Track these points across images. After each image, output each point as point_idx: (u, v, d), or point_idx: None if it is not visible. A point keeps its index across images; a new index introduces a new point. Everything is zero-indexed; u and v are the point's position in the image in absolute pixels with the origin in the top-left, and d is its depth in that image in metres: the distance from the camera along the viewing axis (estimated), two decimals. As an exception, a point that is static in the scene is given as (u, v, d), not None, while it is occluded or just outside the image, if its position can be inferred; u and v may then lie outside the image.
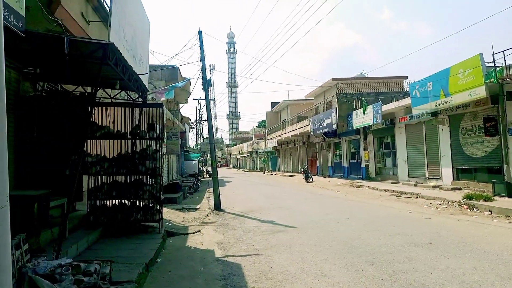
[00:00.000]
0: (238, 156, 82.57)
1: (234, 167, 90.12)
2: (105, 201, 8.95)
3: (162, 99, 11.70)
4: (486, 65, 13.79)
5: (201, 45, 13.76)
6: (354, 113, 24.87)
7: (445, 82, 15.83)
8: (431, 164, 18.76)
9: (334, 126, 26.49)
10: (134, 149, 9.44)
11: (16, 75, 7.59)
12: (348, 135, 27.45)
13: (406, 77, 29.87)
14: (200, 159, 48.56)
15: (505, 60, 12.81)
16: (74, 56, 6.12)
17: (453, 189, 16.07)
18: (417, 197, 15.17)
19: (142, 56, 9.51)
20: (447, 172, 17.44)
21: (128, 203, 9.04)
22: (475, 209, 11.63)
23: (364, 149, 25.35)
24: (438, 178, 18.09)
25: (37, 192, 6.12)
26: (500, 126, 14.03)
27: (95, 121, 9.05)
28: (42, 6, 6.71)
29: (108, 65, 6.30)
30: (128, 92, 9.49)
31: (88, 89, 8.93)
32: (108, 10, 8.33)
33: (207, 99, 14.39)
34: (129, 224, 8.89)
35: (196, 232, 9.71)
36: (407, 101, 19.55)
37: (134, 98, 9.73)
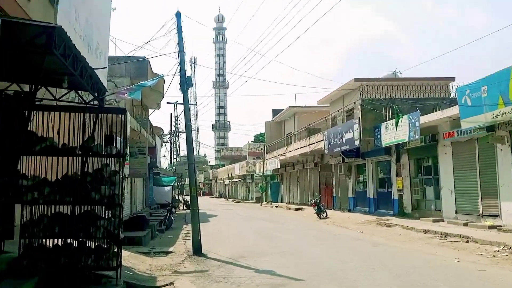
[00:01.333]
0: (226, 181, 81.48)
1: (221, 196, 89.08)
2: (44, 240, 8.86)
3: (126, 97, 11.67)
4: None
5: (179, 31, 13.83)
6: (383, 125, 24.90)
7: (505, 86, 15.97)
8: (487, 197, 18.77)
9: (357, 142, 26.41)
10: (86, 170, 9.34)
11: None
12: (375, 155, 27.50)
13: (453, 79, 30.12)
14: (175, 184, 47.41)
15: None
16: (8, 43, 6.20)
17: (516, 230, 16.08)
18: (467, 241, 15.16)
19: (100, 45, 9.64)
20: (508, 207, 17.45)
21: (75, 244, 8.87)
22: (546, 259, 11.60)
23: (397, 175, 25.37)
24: (496, 216, 18.10)
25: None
26: None
27: (34, 130, 9.00)
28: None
29: (54, 55, 6.33)
30: (80, 92, 9.46)
31: (26, 88, 8.88)
32: None
33: (186, 103, 14.30)
34: (76, 272, 8.76)
35: (167, 285, 9.64)
36: (454, 110, 19.67)
37: (87, 101, 9.60)
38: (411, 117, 22.21)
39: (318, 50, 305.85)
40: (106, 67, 9.78)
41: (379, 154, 27.00)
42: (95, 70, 8.55)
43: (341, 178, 33.61)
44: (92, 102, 9.56)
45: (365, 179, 29.98)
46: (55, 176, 9.08)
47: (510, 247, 13.13)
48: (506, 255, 12.44)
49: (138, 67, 21.30)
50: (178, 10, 14.31)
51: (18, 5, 8.44)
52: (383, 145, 25.22)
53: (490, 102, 16.74)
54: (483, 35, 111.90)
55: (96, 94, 9.24)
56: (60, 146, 9.00)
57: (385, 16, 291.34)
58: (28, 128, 8.70)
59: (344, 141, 28.25)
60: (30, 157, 9.12)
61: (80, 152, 9.09)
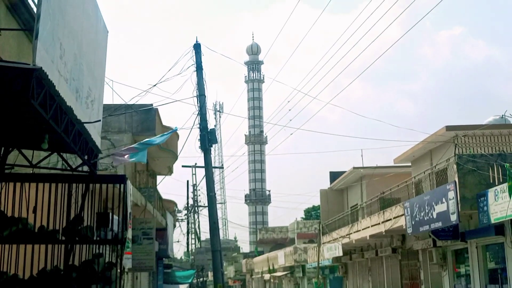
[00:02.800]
0: (266, 276, 60.36)
1: None
2: None
3: (126, 160, 9.41)
4: None
5: (199, 68, 11.76)
6: (490, 192, 18.07)
7: None
8: None
9: (453, 217, 19.29)
10: (71, 262, 7.41)
11: None
12: (482, 236, 20.15)
13: None
14: (194, 280, 37.20)
15: None
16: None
17: None
18: None
19: (92, 91, 7.62)
20: None
21: None
22: None
23: (515, 264, 18.71)
24: None
25: None
26: None
27: (2, 209, 7.30)
28: None
29: (31, 106, 5.12)
30: (65, 155, 7.69)
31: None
32: (36, 10, 6.80)
33: (208, 166, 12.64)
34: None
35: None
36: None
37: (74, 166, 7.72)
38: None
39: (392, 87, 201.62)
40: (100, 120, 7.93)
41: (487, 234, 19.47)
42: (85, 124, 6.81)
43: (433, 269, 24.47)
44: (80, 168, 7.81)
45: (468, 271, 21.83)
46: (29, 272, 7.29)
47: None
48: None
49: (143, 118, 17.42)
50: (197, 40, 12.30)
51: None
52: (492, 221, 18.08)
53: None
54: None
55: (86, 157, 7.32)
56: (36, 230, 7.23)
57: (485, 39, 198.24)
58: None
59: (434, 215, 20.67)
60: (-4, 244, 7.75)
61: (63, 238, 7.36)
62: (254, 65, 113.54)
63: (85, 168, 7.48)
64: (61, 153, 7.44)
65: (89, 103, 7.44)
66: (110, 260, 7.33)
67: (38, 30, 5.43)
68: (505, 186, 16.46)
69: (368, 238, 27.45)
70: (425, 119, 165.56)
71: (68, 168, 7.56)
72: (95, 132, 7.40)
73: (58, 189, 7.37)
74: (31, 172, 7.60)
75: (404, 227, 22.49)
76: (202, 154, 11.78)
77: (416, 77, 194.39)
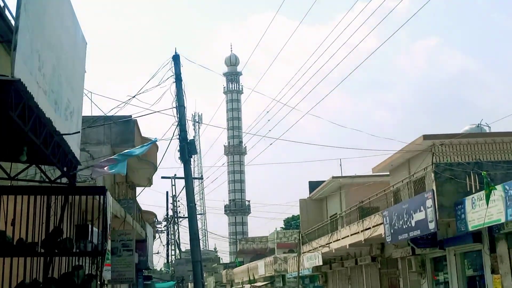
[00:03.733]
0: (246, 286, 57.11)
1: None
2: None
3: (106, 172, 9.07)
4: None
5: (178, 79, 11.48)
6: (467, 200, 17.84)
7: None
8: None
9: (431, 225, 18.61)
10: (51, 275, 7.07)
11: None
12: (460, 244, 19.46)
13: None
14: None
15: None
16: None
17: None
18: None
19: (71, 102, 7.29)
20: None
21: None
22: None
23: (493, 271, 17.83)
24: None
25: None
26: None
27: None
28: None
29: (9, 118, 5.10)
30: (44, 167, 7.42)
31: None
32: (14, 22, 6.23)
33: (188, 177, 12.37)
34: None
35: None
36: None
37: (53, 178, 7.45)
38: (507, 187, 16.03)
39: (370, 97, 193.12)
40: (79, 132, 7.59)
41: (464, 241, 18.84)
42: (64, 136, 6.56)
43: (412, 277, 23.56)
44: (59, 180, 7.47)
45: (447, 278, 20.95)
46: (8, 286, 6.88)
47: None
48: None
49: (122, 130, 16.63)
50: (176, 52, 11.95)
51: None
52: (470, 229, 17.65)
53: None
54: None
55: (65, 169, 7.14)
56: (15, 242, 6.78)
57: (460, 49, 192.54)
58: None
59: (413, 224, 19.95)
60: (-27, 258, 7.40)
61: (42, 250, 6.91)
62: (232, 76, 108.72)
63: (64, 180, 7.14)
64: (40, 165, 7.10)
65: (68, 115, 7.12)
66: (90, 272, 6.97)
67: (17, 42, 5.18)
68: (482, 194, 16.08)
69: (347, 247, 26.44)
70: (403, 128, 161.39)
71: (47, 180, 7.26)
72: (74, 143, 7.07)
73: (37, 201, 6.97)
74: (9, 184, 7.17)
75: (383, 235, 21.89)
76: (182, 165, 11.53)
77: (393, 87, 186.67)
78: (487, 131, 22.17)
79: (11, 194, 6.96)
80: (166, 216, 36.87)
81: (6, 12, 7.21)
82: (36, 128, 5.53)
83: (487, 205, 15.63)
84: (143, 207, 26.08)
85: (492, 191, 15.48)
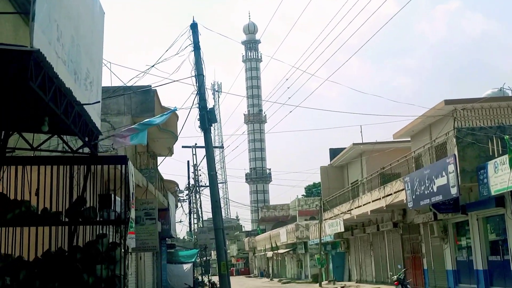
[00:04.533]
0: (269, 254, 54.42)
1: (262, 275, 60.36)
2: None
3: (127, 142, 8.80)
4: None
5: (196, 48, 10.98)
6: (490, 164, 17.13)
7: None
8: None
9: (453, 190, 18.07)
10: (75, 243, 6.92)
11: None
12: (482, 208, 18.90)
13: None
14: (197, 259, 34.21)
15: None
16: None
17: None
18: None
19: (91, 72, 7.02)
20: None
21: None
22: None
23: (517, 235, 17.79)
24: None
25: None
26: None
27: (5, 192, 6.86)
28: None
29: (30, 89, 4.74)
30: (65, 137, 7.09)
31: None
32: None
33: (208, 145, 11.96)
34: None
35: None
36: None
37: (75, 148, 7.26)
38: None
39: (390, 63, 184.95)
40: (99, 102, 7.28)
41: (487, 206, 18.27)
42: (84, 106, 6.32)
43: (434, 243, 23.02)
44: (81, 150, 7.20)
45: (469, 243, 20.47)
46: (34, 254, 6.77)
47: None
48: None
49: (142, 100, 16.33)
50: (194, 20, 11.45)
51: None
52: (493, 193, 17.04)
53: None
54: None
55: (86, 139, 6.86)
56: (39, 212, 6.75)
57: (482, 12, 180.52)
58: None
59: (434, 189, 19.25)
60: (0, 228, 7.07)
61: (66, 220, 6.81)
62: (251, 44, 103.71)
63: (86, 150, 6.94)
64: (62, 136, 6.88)
65: (88, 85, 6.97)
66: (114, 240, 6.81)
67: (35, 12, 4.95)
68: (505, 158, 15.42)
69: (369, 213, 25.98)
70: (423, 94, 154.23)
71: (69, 150, 7.08)
72: (94, 113, 6.86)
73: (60, 171, 6.82)
74: (32, 155, 7.03)
75: (405, 201, 21.30)
76: (202, 134, 11.30)
77: (413, 52, 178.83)
78: (510, 94, 21.02)
79: (34, 164, 6.89)
80: (187, 185, 36.65)
81: None
82: (56, 98, 5.31)
83: (510, 169, 14.93)
84: (165, 177, 26.00)
85: None
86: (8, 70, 4.68)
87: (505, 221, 16.78)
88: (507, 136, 15.22)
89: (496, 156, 16.52)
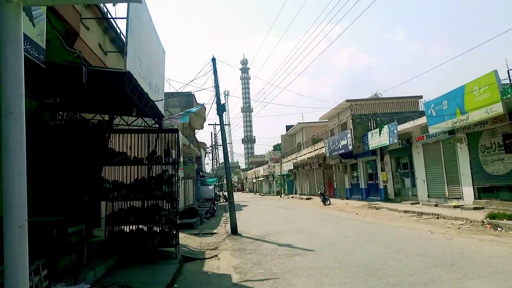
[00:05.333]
0: (254, 180, 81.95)
1: (250, 191, 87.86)
2: (122, 227, 8.97)
3: (178, 123, 11.67)
4: (502, 82, 13.63)
5: (215, 71, 13.85)
6: (369, 133, 24.64)
7: (460, 100, 15.68)
8: (451, 184, 18.35)
9: (350, 147, 26.21)
10: (151, 175, 9.40)
11: (36, 105, 7.79)
12: (365, 156, 27.06)
13: (421, 97, 29.62)
14: (217, 184, 48.26)
15: (521, 76, 12.63)
16: (92, 85, 6.27)
17: (475, 208, 15.63)
18: (438, 218, 14.80)
19: (158, 83, 9.59)
20: (468, 191, 17.02)
21: (145, 229, 9.03)
22: (499, 229, 11.26)
23: (382, 170, 24.98)
24: (459, 198, 17.65)
25: (56, 218, 6.20)
26: (521, 143, 13.70)
27: (113, 147, 9.15)
28: (62, 39, 6.96)
29: (125, 92, 6.41)
30: (145, 118, 9.68)
31: (106, 117, 9.07)
32: (124, 40, 8.35)
33: (221, 124, 14.29)
34: (146, 250, 8.86)
35: (212, 257, 9.63)
36: (423, 120, 19.36)
37: (150, 125, 9.77)
38: (390, 126, 22.01)
39: (318, 80, 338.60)
40: (163, 100, 9.81)
41: (367, 155, 26.48)
42: (155, 102, 8.63)
43: (340, 174, 33.21)
44: (153, 126, 9.70)
45: (358, 174, 29.46)
46: (129, 180, 9.30)
47: (471, 221, 12.79)
48: (468, 227, 12.13)
49: (186, 99, 21.37)
50: (213, 56, 14.32)
51: (98, 58, 8.71)
52: (370, 148, 24.92)
53: (450, 112, 16.45)
54: (442, 62, 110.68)
55: (156, 120, 9.39)
56: (132, 158, 9.15)
57: (367, 53, 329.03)
58: (108, 146, 8.86)
59: (340, 146, 28.01)
60: (110, 167, 9.34)
61: (146, 162, 9.21)
62: (245, 70, 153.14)
63: (156, 125, 9.45)
64: (143, 118, 9.40)
65: (156, 91, 9.41)
66: (171, 173, 9.25)
67: (127, 51, 7.31)
68: (377, 130, 22.98)
69: (306, 159, 38.41)
70: (336, 96, 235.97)
71: (147, 125, 9.62)
72: (160, 106, 9.28)
73: (142, 137, 9.38)
74: (127, 128, 9.50)
75: (325, 153, 31.43)
76: (218, 118, 13.84)
77: (331, 74, 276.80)
78: (380, 96, 29.31)
79: (128, 133, 9.37)
80: (211, 145, 52.39)
81: (122, 36, 9.76)
82: (139, 98, 7.30)
83: (379, 136, 22.60)
84: (199, 140, 34.88)
85: (382, 129, 22.02)
86: (115, 82, 6.39)
87: (376, 163, 25.30)
88: (379, 119, 22.52)
89: (372, 129, 24.46)
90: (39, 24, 5.62)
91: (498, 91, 13.48)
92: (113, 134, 9.23)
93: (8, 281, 2.61)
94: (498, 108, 13.61)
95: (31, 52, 5.21)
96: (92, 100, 7.77)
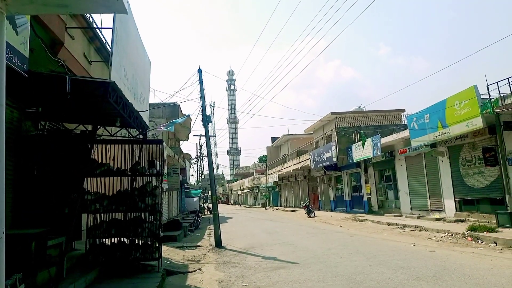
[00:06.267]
0: (239, 192, 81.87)
1: (235, 203, 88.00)
2: (104, 239, 8.82)
3: (163, 130, 11.61)
4: (482, 97, 14.01)
5: (201, 83, 13.87)
6: (353, 146, 24.95)
7: (442, 114, 16.02)
8: (433, 196, 18.62)
9: (334, 159, 26.46)
10: (134, 186, 9.32)
11: (18, 115, 7.67)
12: (349, 168, 27.33)
13: (403, 110, 30.24)
14: (201, 195, 48.02)
15: (499, 91, 13.04)
16: (75, 95, 6.21)
17: (456, 221, 15.87)
18: (420, 230, 14.97)
19: (143, 94, 9.53)
20: (449, 204, 17.29)
21: (127, 241, 8.90)
22: (479, 241, 11.44)
23: (366, 182, 25.23)
24: (441, 210, 17.91)
25: (35, 231, 6.06)
26: (499, 156, 14.05)
27: (95, 158, 9.05)
28: (46, 48, 6.91)
29: (109, 103, 6.36)
30: (129, 129, 9.55)
31: (89, 127, 9.00)
32: (110, 50, 8.22)
33: (207, 135, 14.25)
34: (128, 263, 8.71)
35: (196, 270, 9.51)
36: (405, 133, 19.69)
37: (134, 135, 9.69)
38: (374, 139, 22.30)
39: (304, 93, 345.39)
40: (147, 110, 9.73)
41: (351, 167, 26.76)
42: (139, 112, 8.59)
43: (324, 186, 33.38)
44: (138, 136, 9.64)
45: (342, 186, 29.71)
46: (111, 192, 9.19)
47: (453, 233, 12.97)
48: (450, 239, 12.28)
49: (172, 110, 21.33)
50: (199, 67, 14.40)
51: (83, 67, 8.65)
52: (354, 161, 25.20)
53: (432, 126, 16.78)
54: (424, 77, 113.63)
55: (140, 130, 9.36)
56: (114, 169, 9.08)
57: (352, 67, 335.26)
58: (91, 157, 8.76)
59: (325, 158, 28.26)
60: (92, 178, 9.20)
61: (129, 173, 9.15)
62: (231, 81, 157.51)
63: (140, 136, 9.37)
64: (127, 128, 9.32)
65: (141, 101, 9.31)
66: (155, 184, 9.14)
67: (112, 61, 7.20)
68: (360, 143, 23.33)
69: (291, 171, 38.90)
70: (321, 108, 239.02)
71: (131, 136, 9.54)
72: (145, 117, 9.21)
73: (126, 148, 9.26)
74: (111, 138, 9.45)
75: (310, 165, 31.57)
76: (204, 128, 13.71)
77: (316, 86, 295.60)
78: (364, 109, 30.17)
79: (111, 143, 9.21)
80: (196, 156, 52.03)
81: (107, 46, 9.79)
82: (124, 108, 7.25)
83: (363, 148, 22.99)
84: (184, 151, 35.67)
85: (366, 141, 22.33)
86: (98, 92, 6.41)
87: (360, 175, 25.62)
88: (362, 132, 23.06)
89: (356, 141, 24.90)
90: (23, 32, 5.57)
91: (478, 105, 13.83)
92: (96, 145, 9.13)
93: (-16, 296, 2.52)
94: (478, 122, 13.94)
95: (14, 61, 5.16)
96: (75, 110, 7.69)
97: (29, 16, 5.74)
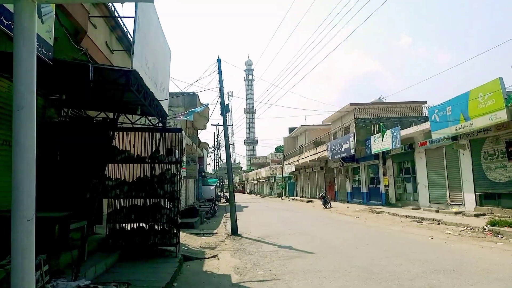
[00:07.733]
0: (255, 182, 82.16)
1: (251, 193, 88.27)
2: (123, 224, 9.02)
3: (182, 119, 11.71)
4: (507, 89, 13.66)
5: (220, 72, 13.85)
6: (372, 138, 24.65)
7: (464, 106, 15.69)
8: (453, 190, 18.35)
9: (352, 151, 26.13)
10: (153, 173, 9.46)
11: (42, 102, 7.88)
12: (367, 160, 27.13)
13: (425, 102, 29.53)
14: (218, 184, 48.29)
15: (525, 84, 12.64)
16: (98, 83, 6.35)
17: (476, 215, 15.63)
18: (439, 223, 14.81)
19: (163, 83, 9.55)
20: (469, 197, 17.02)
21: (146, 227, 9.08)
22: (499, 236, 11.27)
23: (383, 174, 25.00)
24: (461, 204, 17.65)
25: (59, 214, 6.26)
26: (524, 151, 13.71)
27: (116, 145, 9.20)
28: (70, 36, 7.06)
29: (131, 91, 6.47)
30: (149, 117, 9.66)
31: (111, 115, 9.14)
32: (131, 39, 8.53)
33: (225, 124, 14.26)
34: (146, 248, 8.92)
35: (212, 256, 9.67)
36: (426, 125, 19.37)
37: (154, 123, 9.81)
38: (393, 131, 21.95)
39: (322, 84, 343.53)
40: (167, 99, 9.80)
41: (369, 159, 26.58)
42: (160, 101, 8.68)
43: (341, 177, 33.27)
44: (157, 125, 9.79)
45: (359, 178, 29.55)
46: (132, 178, 9.34)
47: (472, 227, 12.80)
48: (469, 233, 12.14)
49: (190, 99, 21.48)
50: (218, 57, 14.41)
51: (105, 56, 8.78)
52: (373, 153, 24.87)
53: (454, 118, 16.46)
54: (447, 68, 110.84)
55: (160, 119, 9.45)
56: (135, 157, 9.20)
57: (372, 58, 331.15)
58: (112, 144, 8.89)
59: (343, 150, 27.97)
60: (113, 164, 9.38)
61: (149, 161, 9.28)
62: (249, 71, 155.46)
63: (160, 124, 9.50)
64: (147, 116, 9.45)
65: (161, 90, 9.35)
66: (174, 172, 9.27)
67: (134, 50, 7.23)
68: (379, 134, 22.85)
69: (308, 162, 38.68)
70: (340, 99, 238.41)
71: (151, 124, 9.67)
72: (165, 105, 9.25)
73: (146, 135, 9.44)
74: (131, 126, 9.60)
75: (327, 156, 31.31)
76: (222, 118, 13.98)
77: (335, 77, 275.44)
78: (384, 101, 29.84)
79: (132, 131, 9.37)
80: (213, 145, 52.85)
81: (128, 35, 9.93)
82: (144, 97, 7.35)
83: (382, 140, 22.57)
84: (202, 140, 36.21)
85: (385, 133, 21.91)
86: (120, 80, 6.53)
87: (378, 167, 25.46)
88: (382, 123, 22.48)
89: (375, 133, 24.46)
90: (48, 21, 5.70)
91: (502, 98, 13.50)
92: (117, 132, 9.26)
93: (15, 275, 2.65)
94: (502, 115, 13.62)
95: (39, 49, 5.29)
96: (97, 97, 7.82)
97: (54, 4, 5.85)
